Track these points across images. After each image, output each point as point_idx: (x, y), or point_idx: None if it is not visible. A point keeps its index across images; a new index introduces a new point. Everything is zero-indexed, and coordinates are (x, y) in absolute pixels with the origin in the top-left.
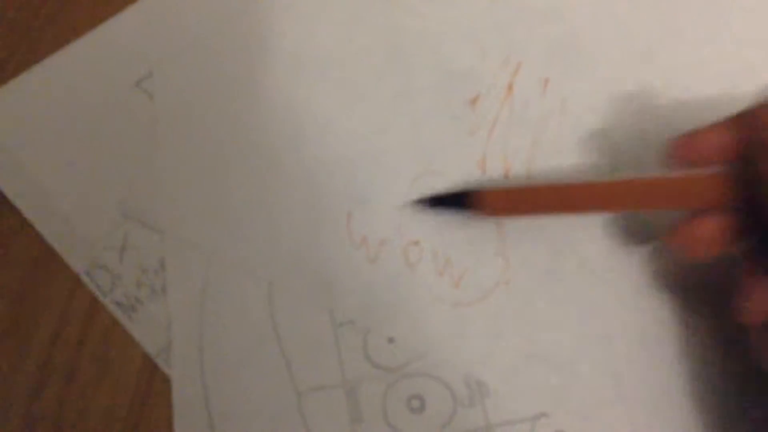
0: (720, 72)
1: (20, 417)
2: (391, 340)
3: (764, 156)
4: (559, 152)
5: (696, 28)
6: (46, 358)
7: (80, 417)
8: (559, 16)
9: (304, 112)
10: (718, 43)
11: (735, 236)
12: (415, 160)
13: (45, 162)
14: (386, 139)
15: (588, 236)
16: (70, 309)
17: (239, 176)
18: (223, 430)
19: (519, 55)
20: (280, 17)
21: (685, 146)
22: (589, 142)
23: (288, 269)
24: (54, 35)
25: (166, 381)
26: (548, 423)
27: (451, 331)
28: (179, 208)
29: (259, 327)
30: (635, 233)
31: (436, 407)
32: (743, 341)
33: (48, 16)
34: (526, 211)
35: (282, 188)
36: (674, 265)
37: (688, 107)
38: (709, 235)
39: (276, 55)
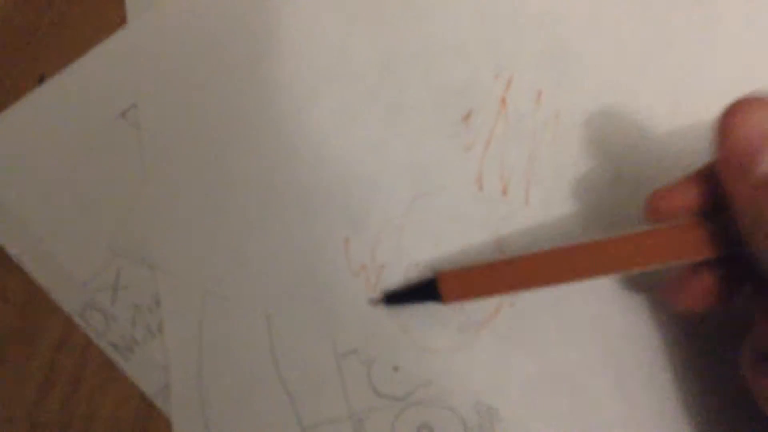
0: (713, 81)
1: (25, 422)
2: (396, 369)
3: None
4: (556, 165)
5: (689, 38)
6: (51, 364)
7: (86, 423)
8: (550, 28)
9: (296, 136)
10: (712, 52)
11: (730, 288)
12: (411, 181)
13: (29, 201)
14: (381, 159)
15: None
16: None
17: (232, 206)
18: None
19: (511, 69)
20: (268, 41)
21: (654, 203)
22: (587, 153)
23: (286, 300)
24: (34, 70)
25: None
26: None
27: (458, 356)
28: (171, 242)
29: (260, 361)
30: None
31: None
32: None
33: (28, 52)
34: (490, 293)
35: (277, 216)
36: None
37: (681, 116)
38: (702, 288)
39: (265, 80)
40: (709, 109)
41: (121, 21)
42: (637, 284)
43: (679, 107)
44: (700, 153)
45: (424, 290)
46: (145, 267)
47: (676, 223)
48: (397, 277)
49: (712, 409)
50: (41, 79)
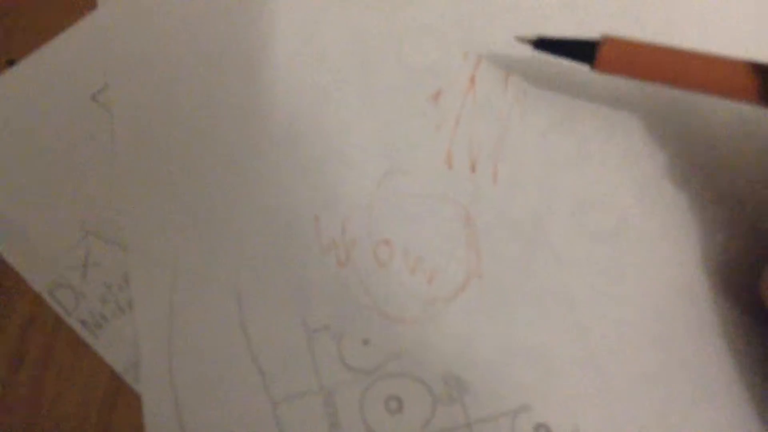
0: None
1: None
2: (366, 342)
3: None
4: (524, 143)
5: (658, 17)
6: (20, 342)
7: (56, 400)
8: (518, 7)
9: (266, 117)
10: (676, 33)
11: None
12: (380, 159)
13: (0, 182)
14: (351, 138)
15: (559, 227)
16: None
17: (202, 185)
18: None
19: (480, 48)
20: (239, 22)
21: None
22: (554, 132)
23: (257, 278)
24: (3, 53)
25: None
26: (529, 417)
27: (427, 328)
28: (141, 221)
29: (231, 338)
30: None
31: (415, 407)
32: None
33: None
34: (645, 76)
35: (246, 196)
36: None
37: (646, 93)
38: None
39: (234, 62)
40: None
41: (91, 4)
42: (604, 254)
43: (645, 86)
44: (667, 126)
45: (581, 47)
46: (115, 245)
47: None
48: (367, 253)
49: (684, 374)
50: (11, 63)
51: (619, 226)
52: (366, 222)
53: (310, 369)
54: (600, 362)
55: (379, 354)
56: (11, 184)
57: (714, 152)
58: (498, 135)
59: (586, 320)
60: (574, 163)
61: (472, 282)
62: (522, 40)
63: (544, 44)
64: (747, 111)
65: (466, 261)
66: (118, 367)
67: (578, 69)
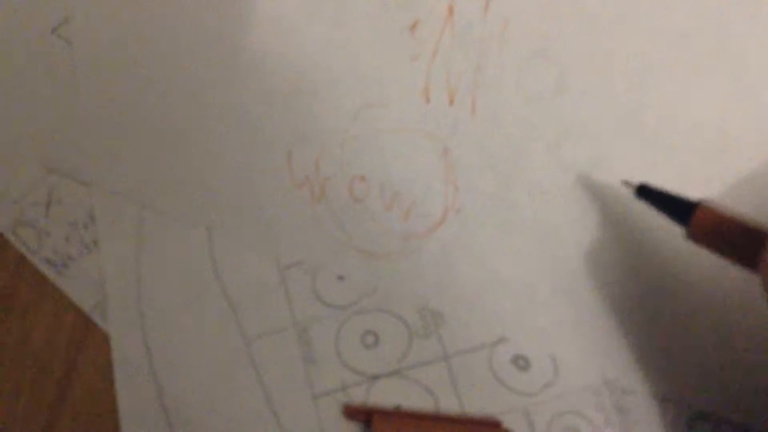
0: None
1: None
2: (341, 278)
3: None
4: (503, 74)
5: None
6: None
7: (22, 340)
8: None
9: (234, 49)
10: None
11: None
12: (355, 93)
13: None
14: (325, 71)
15: (536, 160)
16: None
17: (168, 120)
18: (168, 382)
19: None
20: None
21: None
22: (533, 62)
23: (227, 214)
24: None
25: None
26: (507, 348)
27: (403, 263)
28: (106, 158)
29: (201, 275)
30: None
31: (391, 341)
32: None
33: None
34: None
35: (215, 130)
36: None
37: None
38: None
39: None
40: (656, 13)
41: None
42: (582, 186)
43: (625, 17)
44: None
45: (679, 205)
46: (79, 183)
47: None
48: (342, 189)
49: (658, 304)
50: None
51: (597, 158)
52: (340, 157)
53: (284, 305)
54: (576, 293)
55: (354, 289)
56: None
57: None
58: (477, 66)
59: (563, 251)
60: (554, 95)
61: (450, 216)
62: (627, 184)
63: (645, 191)
64: None
65: (444, 195)
66: (85, 307)
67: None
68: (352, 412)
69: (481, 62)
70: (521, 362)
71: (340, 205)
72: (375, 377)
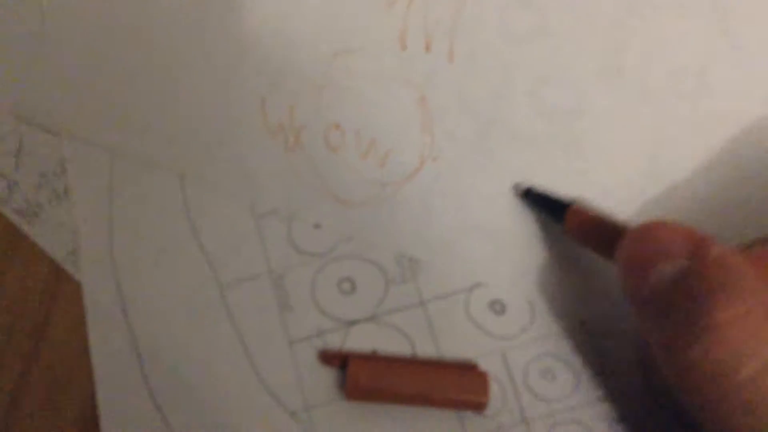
0: None
1: None
2: (317, 226)
3: None
4: (481, 23)
5: None
6: None
7: None
8: None
9: None
10: None
11: None
12: (330, 38)
13: None
14: (297, 16)
15: (517, 105)
16: None
17: (139, 66)
18: (142, 331)
19: None
20: None
21: None
22: (513, 5)
23: (200, 162)
24: None
25: None
26: (483, 293)
27: (379, 211)
28: (76, 105)
29: (174, 223)
30: None
31: (367, 288)
32: None
33: None
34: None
35: (186, 76)
36: None
37: None
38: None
39: None
40: None
41: None
42: (563, 131)
43: None
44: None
45: (555, 205)
46: (49, 132)
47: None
48: (317, 137)
49: None
50: None
51: (577, 103)
52: (315, 105)
53: (259, 253)
54: (553, 237)
55: (330, 237)
56: None
57: None
58: (455, 11)
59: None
60: (534, 38)
61: (426, 164)
62: (516, 187)
63: (530, 194)
64: None
65: (420, 144)
66: (57, 256)
67: None
68: (327, 357)
69: (459, 6)
70: (497, 307)
71: (315, 152)
72: (351, 323)
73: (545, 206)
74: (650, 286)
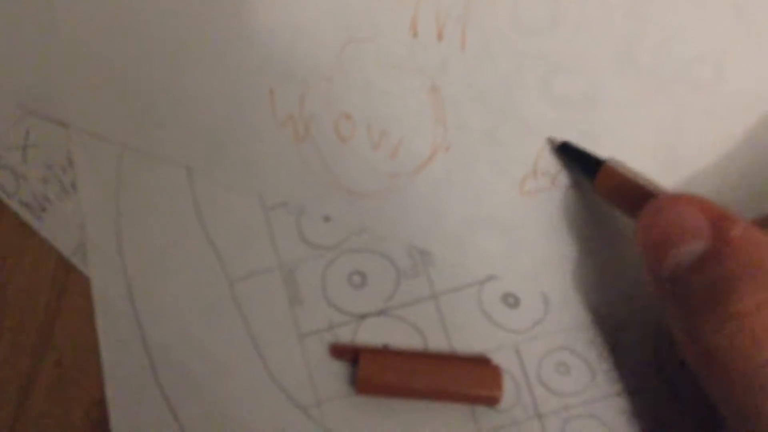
0: None
1: None
2: (327, 219)
3: None
4: (495, 8)
5: None
6: None
7: (2, 287)
8: None
9: None
10: None
11: None
12: (340, 27)
13: None
14: (306, 5)
15: (530, 95)
16: None
17: (148, 59)
18: (151, 326)
19: None
20: None
21: None
22: None
23: (209, 154)
24: None
25: None
26: (496, 286)
27: (391, 203)
28: (84, 97)
29: (182, 217)
30: None
31: (379, 281)
32: None
33: None
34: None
35: (194, 67)
36: None
37: None
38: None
39: None
40: None
41: None
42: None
43: None
44: None
45: (589, 161)
46: (56, 124)
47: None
48: (327, 127)
49: None
50: None
51: (591, 92)
52: (325, 95)
53: (269, 246)
54: (566, 229)
55: (340, 230)
56: None
57: None
58: None
59: (552, 192)
60: (548, 27)
61: (438, 155)
62: (550, 141)
63: (566, 148)
64: None
65: (432, 134)
66: (65, 251)
67: None
68: (338, 351)
69: None
70: (511, 300)
71: (325, 144)
72: (362, 316)
73: (579, 161)
74: (670, 268)
